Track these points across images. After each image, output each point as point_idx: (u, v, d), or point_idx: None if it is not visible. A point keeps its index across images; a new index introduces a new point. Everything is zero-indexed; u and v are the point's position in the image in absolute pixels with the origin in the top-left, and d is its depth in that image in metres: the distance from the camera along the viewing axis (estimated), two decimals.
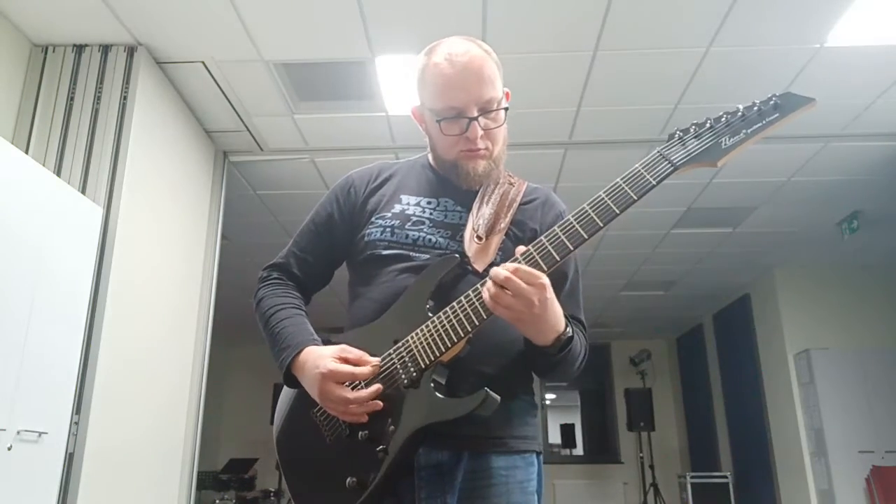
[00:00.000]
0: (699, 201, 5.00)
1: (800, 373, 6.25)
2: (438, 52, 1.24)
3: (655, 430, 8.03)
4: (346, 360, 1.12)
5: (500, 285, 1.01)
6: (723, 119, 1.07)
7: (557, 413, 12.23)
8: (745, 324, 7.12)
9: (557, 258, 1.04)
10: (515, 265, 1.02)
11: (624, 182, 1.06)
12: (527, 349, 1.15)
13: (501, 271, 1.02)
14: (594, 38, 3.23)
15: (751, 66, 3.42)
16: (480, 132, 1.21)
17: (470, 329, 1.07)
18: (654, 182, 1.05)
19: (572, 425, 11.33)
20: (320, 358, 1.13)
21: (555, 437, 11.24)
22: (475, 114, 1.20)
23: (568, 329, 1.11)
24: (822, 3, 3.00)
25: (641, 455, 8.00)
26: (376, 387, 1.09)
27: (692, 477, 7.51)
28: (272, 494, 7.60)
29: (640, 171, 1.06)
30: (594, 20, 3.11)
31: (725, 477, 7.40)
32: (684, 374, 9.05)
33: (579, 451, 11.02)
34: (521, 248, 1.06)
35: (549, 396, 13.00)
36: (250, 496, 7.63)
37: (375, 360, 1.11)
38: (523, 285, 1.01)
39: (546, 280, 1.03)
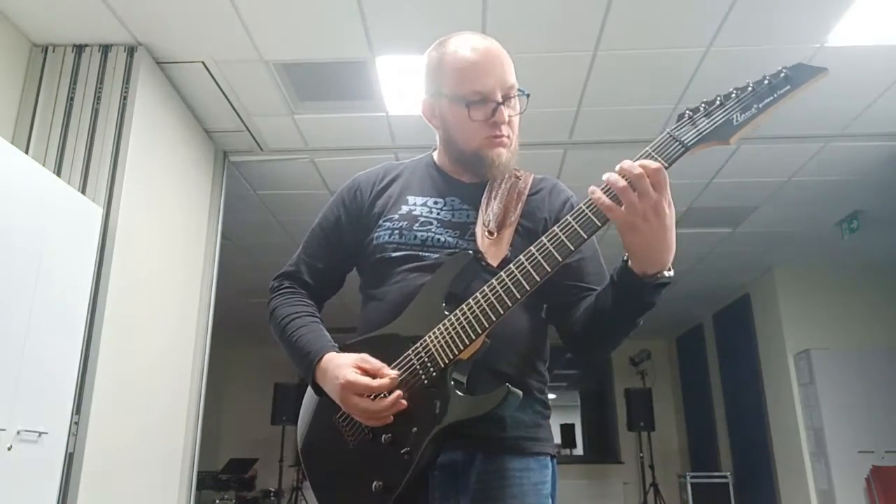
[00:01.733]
0: (699, 201, 5.00)
1: (800, 373, 6.25)
2: (455, 42, 1.23)
3: (655, 430, 8.02)
4: (364, 371, 1.10)
5: (633, 181, 0.96)
6: (733, 95, 1.03)
7: (557, 413, 12.23)
8: (745, 324, 7.11)
9: (571, 247, 1.02)
10: (657, 165, 0.97)
11: None
12: (616, 288, 1.08)
13: (636, 167, 0.96)
14: (594, 38, 3.23)
15: (751, 66, 3.41)
16: (507, 118, 1.21)
17: (487, 325, 1.05)
18: (665, 165, 1.01)
19: (572, 425, 11.35)
20: (339, 367, 1.11)
21: (555, 437, 11.23)
22: (500, 98, 1.20)
23: (671, 270, 1.04)
24: (823, 3, 3.00)
25: (641, 455, 7.99)
26: (396, 394, 1.07)
27: (692, 477, 7.51)
28: (272, 494, 7.60)
29: (650, 153, 1.02)
30: (594, 20, 3.11)
31: (725, 477, 7.39)
32: (684, 374, 9.04)
33: (579, 451, 11.04)
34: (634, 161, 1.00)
35: (550, 396, 13.01)
36: (250, 496, 7.64)
37: (394, 373, 1.09)
38: (651, 190, 0.96)
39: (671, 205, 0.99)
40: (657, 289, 1.05)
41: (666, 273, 1.03)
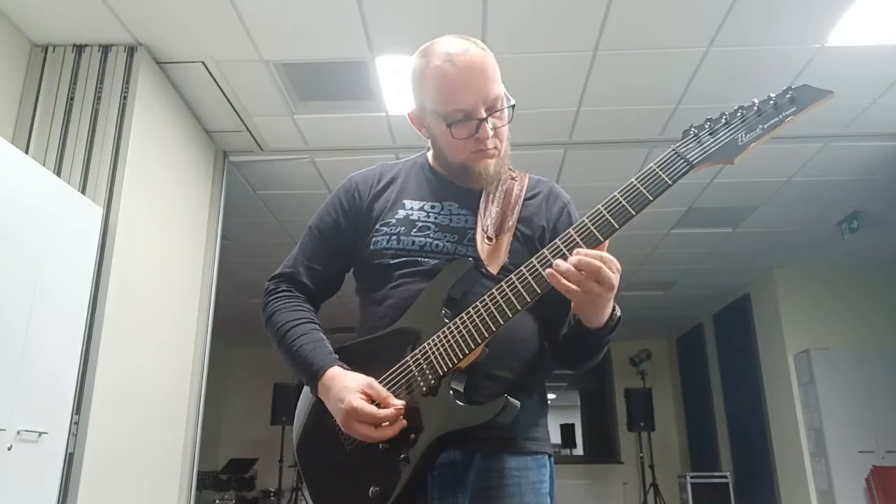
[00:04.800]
0: (699, 201, 5.00)
1: (800, 373, 6.25)
2: (436, 52, 1.19)
3: (655, 430, 8.02)
4: (369, 397, 1.08)
5: (594, 273, 1.00)
6: (738, 114, 1.04)
7: (557, 413, 12.23)
8: (745, 324, 7.11)
9: None
10: (601, 254, 1.01)
11: (639, 182, 1.03)
12: (575, 335, 1.16)
13: (595, 261, 1.00)
14: (594, 38, 3.23)
15: (751, 67, 3.42)
16: (491, 132, 1.18)
17: (487, 334, 1.05)
18: (669, 182, 1.02)
19: (572, 425, 11.34)
20: (344, 390, 1.09)
21: (555, 437, 11.23)
22: (483, 114, 1.17)
23: (617, 309, 1.11)
24: (823, 3, 3.00)
25: (641, 455, 8.00)
26: (401, 423, 1.06)
27: (692, 477, 7.51)
28: (272, 494, 7.61)
29: (654, 170, 1.03)
30: (594, 20, 3.11)
31: (725, 477, 7.40)
32: (684, 374, 9.05)
33: (579, 451, 11.03)
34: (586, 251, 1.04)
35: (550, 396, 12.98)
36: (250, 496, 7.64)
37: (399, 404, 1.07)
38: (610, 274, 1.01)
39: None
40: (612, 331, 1.13)
41: (615, 315, 1.12)
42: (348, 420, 1.07)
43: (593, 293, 1.01)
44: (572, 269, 1.00)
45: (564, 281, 1.00)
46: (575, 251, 1.02)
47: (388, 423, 1.06)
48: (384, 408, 1.07)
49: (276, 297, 1.27)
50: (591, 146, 4.23)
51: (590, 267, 1.00)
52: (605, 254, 1.02)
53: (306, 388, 1.22)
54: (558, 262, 1.02)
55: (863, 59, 3.37)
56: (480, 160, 1.21)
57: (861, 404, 5.92)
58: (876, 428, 5.86)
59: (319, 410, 1.17)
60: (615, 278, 1.01)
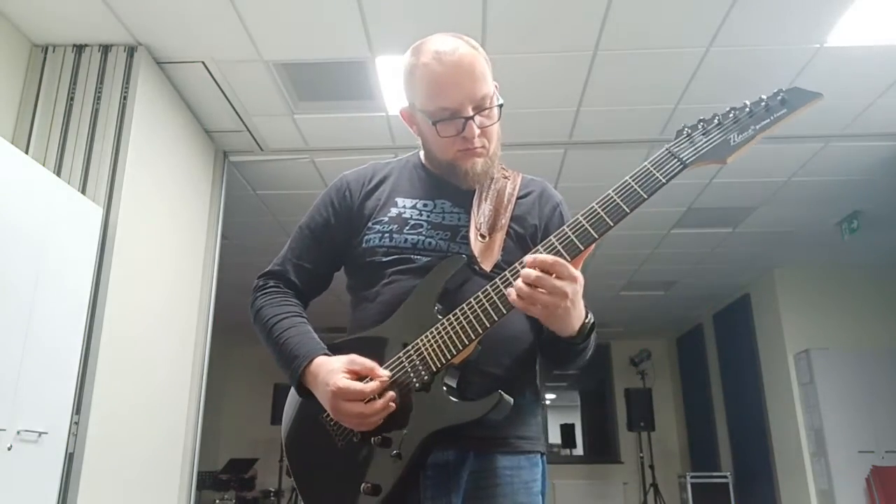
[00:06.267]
0: (699, 201, 5.00)
1: (800, 373, 6.25)
2: (425, 50, 1.19)
3: (655, 430, 8.03)
4: (355, 373, 1.09)
5: (534, 284, 0.99)
6: (730, 115, 1.05)
7: (557, 413, 12.24)
8: (745, 324, 7.12)
9: (568, 258, 1.03)
10: (553, 258, 1.00)
11: (633, 180, 1.04)
12: (549, 342, 1.15)
13: (532, 271, 0.99)
14: (594, 38, 3.23)
15: (751, 67, 3.42)
16: (477, 131, 1.18)
17: (481, 331, 1.05)
18: (663, 181, 1.03)
19: (572, 425, 11.34)
20: (330, 373, 1.09)
21: (555, 437, 11.24)
22: (470, 112, 1.17)
23: (589, 315, 1.10)
24: (822, 3, 3.00)
25: (641, 455, 8.00)
26: (389, 395, 1.07)
27: (692, 477, 7.52)
28: (272, 494, 7.61)
29: (649, 169, 1.04)
30: (594, 20, 3.11)
31: (725, 477, 7.40)
32: (684, 374, 9.05)
33: (579, 451, 11.03)
34: (532, 257, 1.03)
35: (549, 396, 13.00)
36: (250, 496, 7.64)
37: (385, 374, 1.08)
38: (557, 282, 0.99)
39: (579, 274, 1.02)
40: (587, 337, 1.11)
41: (587, 322, 1.09)
42: (336, 402, 1.07)
43: (547, 306, 1.00)
44: (524, 287, 1.00)
45: (525, 302, 1.00)
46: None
47: (376, 396, 1.06)
48: (371, 380, 1.08)
49: (264, 294, 1.28)
50: (591, 146, 4.23)
51: (527, 278, 0.99)
52: (556, 261, 1.00)
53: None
54: (509, 290, 1.02)
55: (863, 59, 3.37)
56: (468, 158, 1.21)
57: (861, 404, 5.92)
58: (876, 428, 5.85)
59: (309, 405, 1.17)
60: (562, 285, 0.99)
